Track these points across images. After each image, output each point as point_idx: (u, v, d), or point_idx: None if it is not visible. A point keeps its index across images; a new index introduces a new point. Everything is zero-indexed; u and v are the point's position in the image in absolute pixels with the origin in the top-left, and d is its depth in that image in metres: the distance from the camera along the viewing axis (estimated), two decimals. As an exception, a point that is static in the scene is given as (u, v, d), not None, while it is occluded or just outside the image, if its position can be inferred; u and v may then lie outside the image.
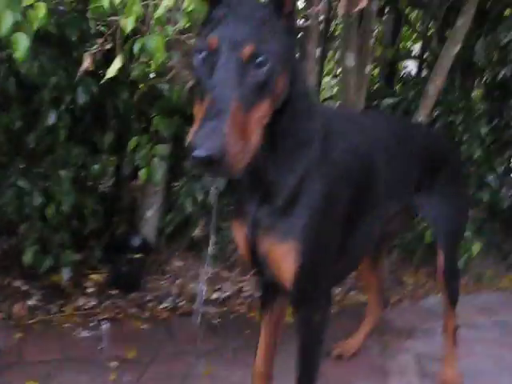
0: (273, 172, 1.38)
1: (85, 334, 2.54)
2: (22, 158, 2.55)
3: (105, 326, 2.59)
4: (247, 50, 1.14)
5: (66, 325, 2.59)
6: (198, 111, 1.13)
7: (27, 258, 2.53)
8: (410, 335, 2.76)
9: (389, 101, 3.23)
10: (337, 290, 3.09)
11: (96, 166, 2.58)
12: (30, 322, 2.58)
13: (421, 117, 3.12)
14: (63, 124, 2.39)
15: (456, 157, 2.37)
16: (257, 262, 1.52)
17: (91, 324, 2.61)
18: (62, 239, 2.59)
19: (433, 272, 2.10)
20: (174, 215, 2.90)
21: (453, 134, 3.27)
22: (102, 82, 1.85)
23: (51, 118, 2.35)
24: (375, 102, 3.27)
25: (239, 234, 1.53)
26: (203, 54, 1.17)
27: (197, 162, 1.06)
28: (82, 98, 2.35)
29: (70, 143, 2.48)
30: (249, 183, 1.44)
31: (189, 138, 1.08)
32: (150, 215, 2.85)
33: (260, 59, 1.15)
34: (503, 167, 3.52)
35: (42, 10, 1.73)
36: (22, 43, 1.75)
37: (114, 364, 2.32)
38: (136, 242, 2.76)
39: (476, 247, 3.16)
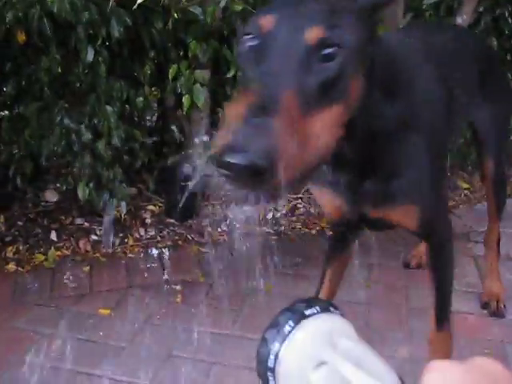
0: (355, 156, 1.22)
1: (148, 262, 2.64)
2: (67, 98, 2.60)
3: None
4: (313, 33, 0.88)
5: (129, 255, 2.70)
6: (238, 106, 0.82)
7: (83, 194, 2.59)
8: (468, 239, 2.76)
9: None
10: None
11: (140, 99, 2.59)
12: (96, 255, 2.70)
13: (463, 15, 2.96)
14: (102, 59, 2.40)
15: (497, 58, 2.32)
16: (353, 223, 1.48)
17: (153, 252, 2.71)
18: (115, 174, 2.64)
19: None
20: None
21: (500, 29, 3.11)
22: (133, 8, 1.84)
23: (89, 55, 2.36)
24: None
25: (328, 200, 1.44)
26: (253, 38, 0.92)
27: (236, 171, 0.76)
28: (116, 30, 2.34)
29: (111, 78, 2.49)
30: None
31: (219, 138, 0.79)
32: (199, 142, 2.87)
33: (329, 50, 0.89)
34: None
35: None
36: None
37: (178, 287, 2.42)
38: (187, 170, 2.79)
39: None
